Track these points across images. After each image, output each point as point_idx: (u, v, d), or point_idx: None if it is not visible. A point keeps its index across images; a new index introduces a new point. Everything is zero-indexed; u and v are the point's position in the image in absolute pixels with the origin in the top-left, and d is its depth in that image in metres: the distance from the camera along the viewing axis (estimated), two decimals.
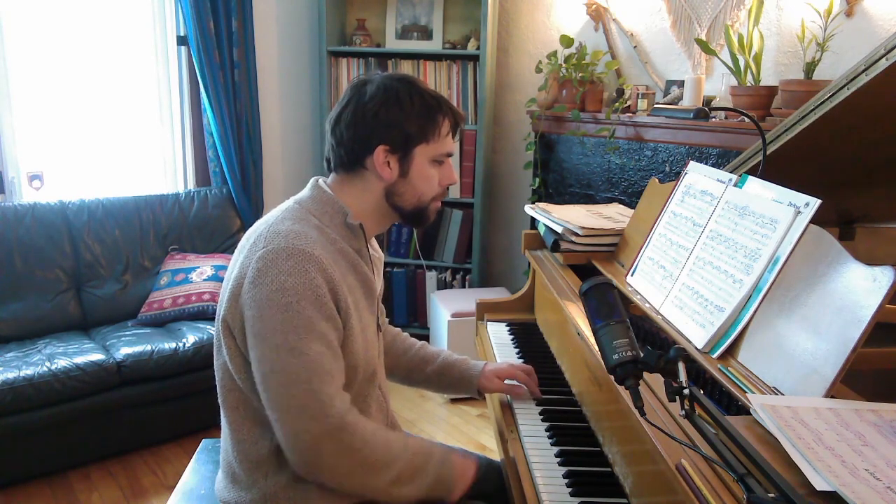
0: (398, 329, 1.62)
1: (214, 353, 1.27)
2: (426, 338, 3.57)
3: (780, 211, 1.11)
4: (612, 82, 3.24)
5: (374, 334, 1.31)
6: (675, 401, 0.85)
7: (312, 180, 1.31)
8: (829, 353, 0.91)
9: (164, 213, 3.24)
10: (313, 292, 1.13)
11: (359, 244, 1.27)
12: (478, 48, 3.44)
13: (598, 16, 3.24)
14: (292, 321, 1.11)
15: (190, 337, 2.75)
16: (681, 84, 2.85)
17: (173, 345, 2.69)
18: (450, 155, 1.32)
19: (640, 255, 1.50)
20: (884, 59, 1.09)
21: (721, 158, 2.59)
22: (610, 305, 0.97)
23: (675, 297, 1.28)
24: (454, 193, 3.60)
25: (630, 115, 2.94)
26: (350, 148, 1.26)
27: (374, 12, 3.69)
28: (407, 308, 3.79)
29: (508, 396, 1.50)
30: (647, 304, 1.36)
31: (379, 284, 1.38)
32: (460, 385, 1.55)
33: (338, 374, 1.16)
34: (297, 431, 1.11)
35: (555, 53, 3.23)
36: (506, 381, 1.51)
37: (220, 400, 1.28)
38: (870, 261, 0.93)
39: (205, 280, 3.03)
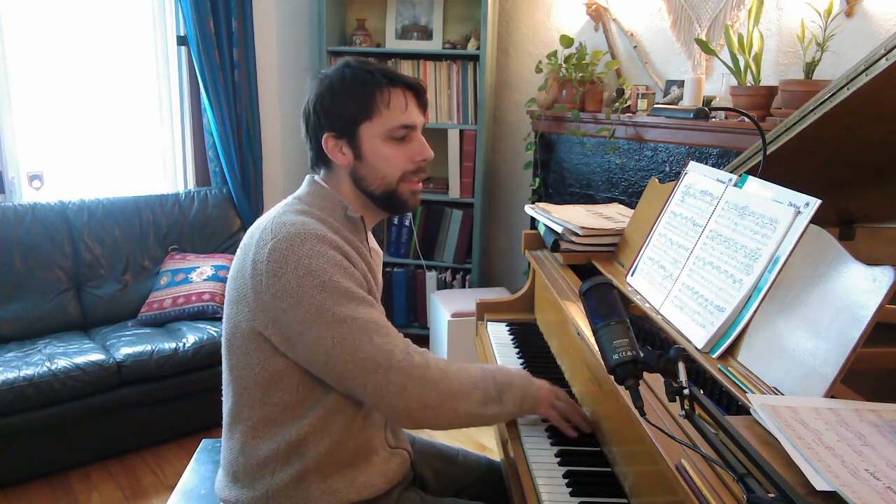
0: None
1: (225, 353, 1.27)
2: (426, 338, 3.57)
3: (780, 211, 1.11)
4: (612, 82, 3.24)
5: None
6: (675, 401, 0.85)
7: (308, 177, 1.31)
8: (829, 353, 0.91)
9: (164, 213, 3.24)
10: (338, 265, 1.16)
11: (360, 236, 1.28)
12: (478, 48, 3.44)
13: (598, 16, 3.24)
14: (332, 295, 1.14)
15: (190, 337, 2.74)
16: (681, 84, 2.85)
17: (173, 345, 2.69)
18: (408, 127, 1.25)
19: (640, 255, 1.50)
20: (884, 59, 1.09)
21: (721, 158, 2.59)
22: (610, 305, 0.97)
23: (675, 297, 1.28)
24: (454, 193, 3.61)
25: (630, 115, 2.94)
26: (311, 144, 1.29)
27: (374, 12, 3.69)
28: (407, 308, 3.79)
29: None
30: (647, 304, 1.36)
31: (379, 278, 1.38)
32: None
33: (389, 324, 1.20)
34: (380, 386, 1.14)
35: (555, 53, 3.23)
36: None
37: (231, 399, 1.27)
38: (870, 261, 0.93)
39: (205, 280, 3.03)
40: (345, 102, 1.23)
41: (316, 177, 1.31)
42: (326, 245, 1.16)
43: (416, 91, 1.27)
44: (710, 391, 1.16)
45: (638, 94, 2.95)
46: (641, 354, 0.90)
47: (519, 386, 1.27)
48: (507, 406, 1.25)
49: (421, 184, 1.31)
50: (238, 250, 1.26)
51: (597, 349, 0.96)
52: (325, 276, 1.14)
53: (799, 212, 1.08)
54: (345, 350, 1.13)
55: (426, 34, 3.61)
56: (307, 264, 1.13)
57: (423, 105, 1.29)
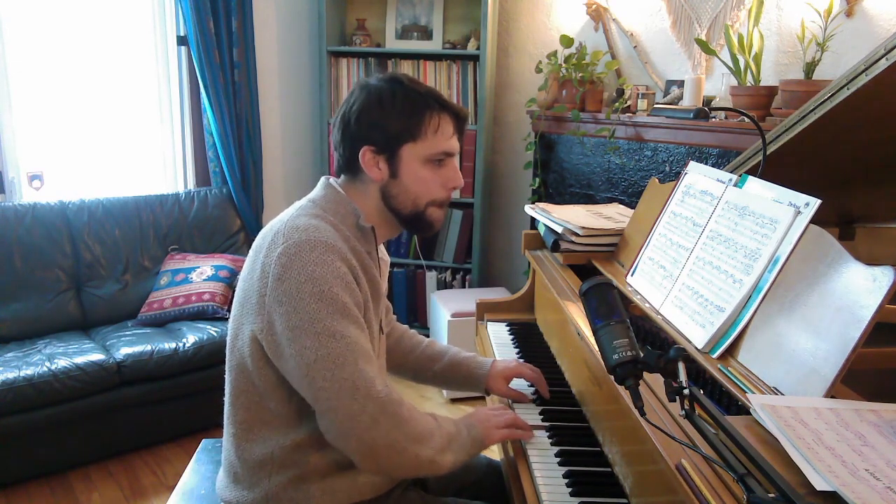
0: (405, 326, 1.61)
1: (228, 354, 1.27)
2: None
3: (780, 211, 1.11)
4: (612, 82, 3.24)
5: (376, 335, 1.31)
6: (675, 401, 0.85)
7: (323, 179, 1.31)
8: (829, 353, 0.91)
9: (164, 213, 3.24)
10: (342, 279, 1.15)
11: (369, 247, 1.27)
12: (478, 48, 3.44)
13: (598, 16, 3.24)
14: (328, 307, 1.12)
15: (190, 337, 2.74)
16: (681, 84, 2.85)
17: (173, 345, 2.69)
18: (448, 154, 1.27)
19: (640, 255, 1.50)
20: (884, 59, 1.09)
21: (721, 158, 2.59)
22: (610, 305, 0.97)
23: (675, 297, 1.28)
24: (454, 193, 3.60)
25: (630, 115, 2.94)
26: (342, 151, 1.28)
27: (374, 12, 3.69)
28: (407, 308, 3.79)
29: (509, 399, 1.50)
30: (647, 304, 1.36)
31: (384, 287, 1.38)
32: (467, 384, 1.55)
33: (373, 355, 1.18)
34: (354, 413, 1.09)
35: (555, 53, 3.23)
36: (514, 381, 1.51)
37: (229, 400, 1.28)
38: (870, 261, 0.93)
39: (205, 280, 3.02)
40: (392, 120, 1.22)
41: (332, 180, 1.30)
42: (335, 255, 1.15)
43: (462, 119, 1.28)
44: (710, 391, 1.16)
45: (638, 94, 2.95)
46: (641, 354, 0.90)
47: (465, 434, 1.25)
48: (458, 455, 1.23)
49: (445, 208, 1.32)
50: (249, 252, 1.26)
51: (597, 349, 0.96)
52: (325, 286, 1.12)
53: (799, 212, 1.08)
54: (326, 366, 1.10)
55: (426, 34, 3.61)
56: (311, 271, 1.12)
57: (462, 133, 1.30)
